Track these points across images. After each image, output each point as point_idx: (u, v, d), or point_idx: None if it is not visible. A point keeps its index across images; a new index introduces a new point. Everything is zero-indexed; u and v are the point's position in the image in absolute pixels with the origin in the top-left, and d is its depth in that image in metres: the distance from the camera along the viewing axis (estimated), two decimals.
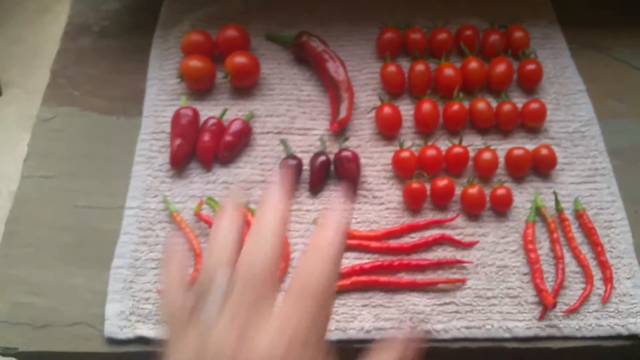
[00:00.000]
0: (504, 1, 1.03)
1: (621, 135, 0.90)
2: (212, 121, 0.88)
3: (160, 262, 0.79)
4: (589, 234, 0.80)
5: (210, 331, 0.39)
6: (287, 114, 0.92)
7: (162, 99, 0.93)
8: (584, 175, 0.86)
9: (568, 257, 0.80)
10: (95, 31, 1.03)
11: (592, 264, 0.79)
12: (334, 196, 0.83)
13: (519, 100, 0.91)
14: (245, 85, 0.94)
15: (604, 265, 0.78)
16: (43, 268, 0.80)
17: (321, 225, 0.43)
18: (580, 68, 0.96)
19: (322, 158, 0.85)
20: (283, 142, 0.87)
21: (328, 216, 0.44)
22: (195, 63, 0.91)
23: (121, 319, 0.75)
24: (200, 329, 0.39)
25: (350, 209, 0.52)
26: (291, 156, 0.85)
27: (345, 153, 0.84)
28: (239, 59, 0.91)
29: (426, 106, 0.88)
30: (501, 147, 0.87)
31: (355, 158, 0.84)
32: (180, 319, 0.41)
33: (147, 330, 0.75)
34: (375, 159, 0.88)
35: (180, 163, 0.86)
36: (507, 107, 0.88)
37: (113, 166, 0.88)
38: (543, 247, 0.80)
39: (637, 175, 0.87)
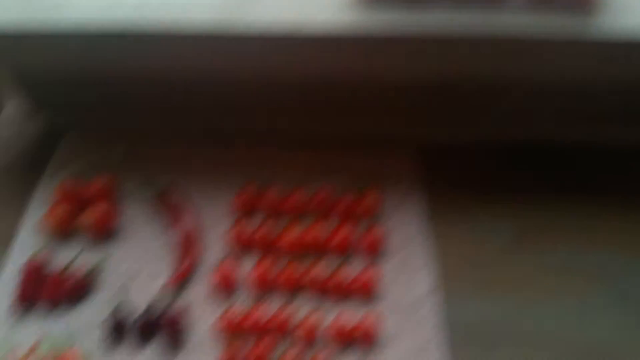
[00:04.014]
0: (368, 166, 1.06)
1: (462, 310, 0.88)
2: (56, 269, 0.92)
3: None
4: None
5: None
6: (139, 260, 0.95)
7: (25, 241, 0.98)
8: (414, 349, 0.84)
9: None
10: None
11: None
12: None
13: (360, 265, 0.92)
14: (103, 233, 0.98)
15: None
16: None
17: None
18: (434, 236, 0.96)
19: (152, 310, 0.87)
20: (120, 291, 0.89)
21: None
22: (58, 211, 0.97)
23: None
24: None
25: None
26: (121, 307, 0.87)
27: (174, 309, 0.87)
28: (99, 209, 0.97)
29: (264, 266, 0.90)
30: (333, 312, 0.87)
31: (179, 317, 0.86)
32: None
33: None
34: (208, 315, 0.88)
35: (22, 306, 0.89)
36: (342, 273, 0.88)
37: None
38: None
39: (472, 353, 0.84)
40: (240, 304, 0.88)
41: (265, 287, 0.90)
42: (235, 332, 0.85)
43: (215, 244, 0.97)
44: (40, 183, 1.06)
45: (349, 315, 0.85)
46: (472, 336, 0.86)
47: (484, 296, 0.90)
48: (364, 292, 0.89)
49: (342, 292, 0.89)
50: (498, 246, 0.97)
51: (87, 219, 0.96)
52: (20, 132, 1.17)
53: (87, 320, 0.88)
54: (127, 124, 1.12)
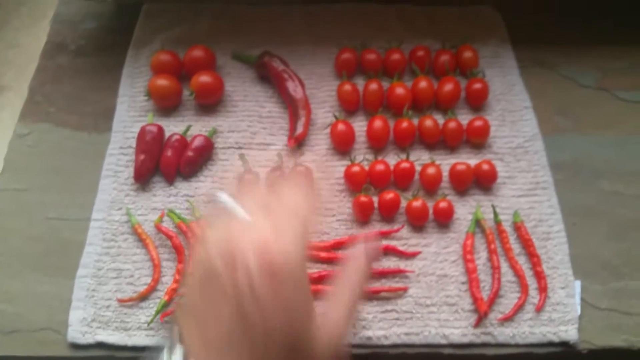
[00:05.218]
0: (460, 21, 1.08)
1: (564, 150, 0.95)
2: (175, 137, 0.93)
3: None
4: (526, 245, 0.85)
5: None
6: (249, 129, 0.97)
7: (130, 115, 0.99)
8: (525, 188, 0.90)
9: (505, 267, 0.84)
10: (72, 50, 1.09)
11: (528, 274, 0.84)
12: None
13: (465, 117, 0.96)
14: (210, 102, 0.99)
15: (539, 276, 0.83)
16: (13, 276, 0.85)
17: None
18: (527, 85, 1.01)
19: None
20: (242, 157, 0.92)
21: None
22: (162, 82, 0.97)
23: (83, 325, 0.81)
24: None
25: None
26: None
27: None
28: (204, 78, 0.97)
29: (377, 123, 0.93)
30: (446, 162, 0.92)
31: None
32: None
33: (106, 336, 0.80)
34: (329, 173, 0.93)
35: (143, 177, 0.91)
36: (452, 124, 0.93)
37: (82, 180, 0.93)
38: (481, 258, 0.85)
39: (576, 189, 0.91)
40: (360, 160, 0.93)
41: (380, 143, 0.94)
42: (358, 187, 0.89)
43: (323, 105, 0.99)
44: (127, 58, 1.05)
45: (465, 162, 0.91)
46: (573, 172, 0.93)
47: (577, 137, 0.97)
48: (476, 140, 0.94)
49: (455, 142, 0.94)
50: (583, 90, 1.02)
51: (193, 88, 0.97)
52: (89, 11, 1.14)
53: (208, 191, 0.91)
54: None
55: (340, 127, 0.93)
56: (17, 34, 2.55)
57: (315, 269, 0.84)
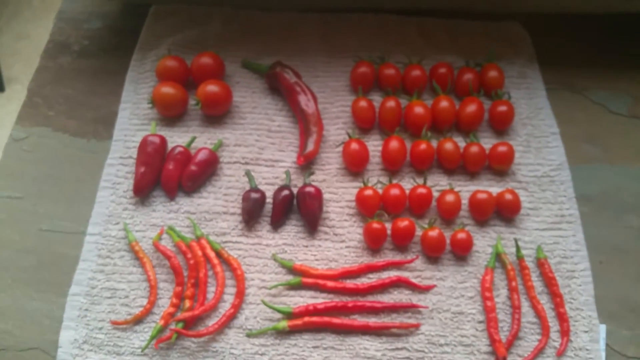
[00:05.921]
0: (484, 38, 1.02)
1: (592, 181, 0.89)
2: (178, 149, 0.88)
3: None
4: (549, 283, 0.79)
5: None
6: (256, 144, 0.91)
7: (133, 123, 0.93)
8: (550, 221, 0.85)
9: (526, 306, 0.79)
10: (75, 50, 1.04)
11: (550, 314, 0.78)
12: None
13: (488, 141, 0.90)
14: (217, 113, 0.94)
15: (561, 317, 0.77)
16: (2, 290, 0.80)
17: None
18: (555, 110, 0.95)
19: (285, 193, 0.84)
20: (247, 174, 0.87)
21: None
22: (167, 90, 0.92)
23: (74, 347, 0.76)
24: None
25: None
26: (254, 189, 0.85)
27: (308, 189, 0.84)
28: (211, 88, 0.91)
29: (394, 144, 0.87)
30: (466, 189, 0.87)
31: (317, 195, 0.84)
32: None
33: None
34: (340, 195, 0.87)
35: (143, 191, 0.86)
36: (474, 148, 0.87)
37: (79, 190, 0.88)
38: (501, 295, 0.79)
39: (604, 224, 0.86)
40: (373, 182, 0.87)
41: (396, 166, 0.88)
42: (371, 212, 0.84)
43: (336, 121, 0.94)
44: (132, 62, 1.00)
45: (486, 191, 0.85)
46: (601, 206, 0.87)
47: (606, 167, 0.91)
48: (499, 166, 0.88)
49: (476, 168, 0.88)
50: (614, 118, 0.96)
51: (199, 97, 0.91)
52: (94, 10, 1.09)
53: (211, 208, 0.86)
54: None
55: (354, 146, 0.88)
56: (27, 25, 2.50)
57: (321, 299, 0.79)
